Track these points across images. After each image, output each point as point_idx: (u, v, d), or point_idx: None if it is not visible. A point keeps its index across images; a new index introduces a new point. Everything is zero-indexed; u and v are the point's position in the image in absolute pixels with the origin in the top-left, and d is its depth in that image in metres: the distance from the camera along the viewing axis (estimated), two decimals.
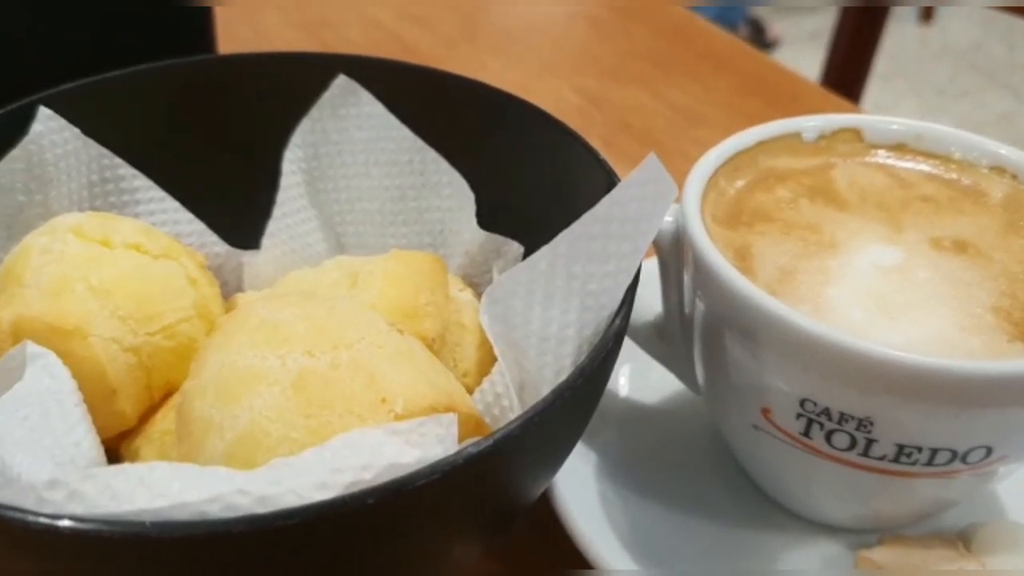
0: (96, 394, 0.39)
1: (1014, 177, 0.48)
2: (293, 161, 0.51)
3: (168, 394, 0.43)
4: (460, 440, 0.33)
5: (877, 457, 0.40)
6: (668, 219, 0.45)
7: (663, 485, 0.49)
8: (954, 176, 0.48)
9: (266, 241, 0.52)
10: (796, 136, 0.50)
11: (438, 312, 0.45)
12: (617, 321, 0.35)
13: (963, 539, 0.46)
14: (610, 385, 0.47)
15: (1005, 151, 0.48)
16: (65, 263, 0.41)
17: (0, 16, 0.59)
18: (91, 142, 0.48)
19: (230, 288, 0.51)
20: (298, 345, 0.36)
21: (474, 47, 0.97)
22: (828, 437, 0.41)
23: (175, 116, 0.51)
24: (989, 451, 0.40)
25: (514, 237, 0.50)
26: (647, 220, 0.35)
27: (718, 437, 0.51)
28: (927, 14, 3.52)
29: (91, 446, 0.36)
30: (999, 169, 0.48)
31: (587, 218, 0.35)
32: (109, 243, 0.43)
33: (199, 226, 0.51)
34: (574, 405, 0.34)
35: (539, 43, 0.99)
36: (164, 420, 0.42)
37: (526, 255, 0.50)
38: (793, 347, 0.39)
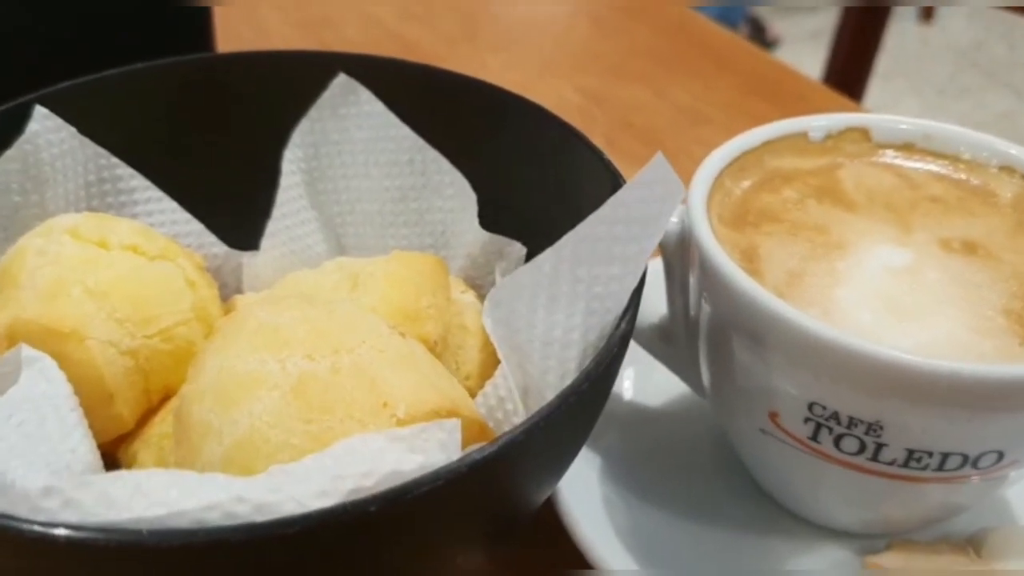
0: (93, 398, 0.39)
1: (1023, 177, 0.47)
2: (293, 161, 0.51)
3: (166, 398, 0.42)
4: (463, 446, 0.32)
5: (887, 462, 0.40)
6: (673, 220, 0.44)
7: (667, 488, 0.49)
8: (963, 176, 0.48)
9: (265, 242, 0.51)
10: (803, 136, 0.49)
11: (440, 314, 0.45)
12: (623, 325, 0.35)
13: (973, 545, 0.45)
14: (613, 388, 0.46)
15: (1015, 151, 0.47)
16: (61, 265, 0.40)
17: (0, 17, 0.59)
18: (88, 141, 0.47)
19: (229, 290, 0.51)
20: (298, 349, 0.35)
21: (474, 46, 0.96)
22: (837, 441, 0.40)
23: (173, 115, 0.50)
24: (1000, 456, 0.39)
25: (517, 238, 0.49)
26: (654, 221, 0.35)
27: (723, 440, 0.50)
28: (927, 13, 3.52)
29: (87, 452, 0.35)
30: (1008, 169, 0.47)
31: (592, 219, 0.34)
32: (106, 244, 0.42)
33: (197, 227, 0.50)
34: (579, 410, 0.34)
35: (540, 41, 0.98)
36: (162, 424, 0.41)
37: (529, 256, 0.49)
38: (802, 350, 0.38)
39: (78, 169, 0.47)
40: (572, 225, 0.40)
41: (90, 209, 0.48)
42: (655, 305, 0.49)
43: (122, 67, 0.49)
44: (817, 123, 0.50)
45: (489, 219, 0.49)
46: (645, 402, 0.53)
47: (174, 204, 0.50)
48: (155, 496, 0.28)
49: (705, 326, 0.44)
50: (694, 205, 0.43)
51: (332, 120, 0.50)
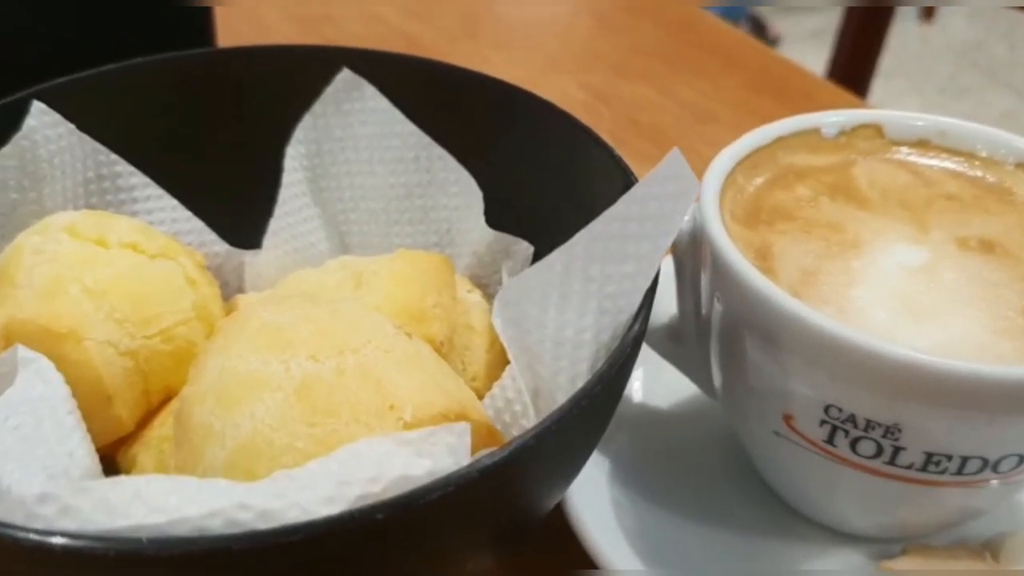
0: (91, 400, 0.38)
1: None
2: (295, 158, 0.50)
3: (166, 399, 0.41)
4: (472, 450, 0.31)
5: (904, 466, 0.39)
6: (685, 218, 0.43)
7: (677, 492, 0.48)
8: (978, 174, 0.47)
9: (267, 240, 0.50)
10: (815, 132, 0.48)
11: (446, 314, 0.44)
12: (636, 326, 0.34)
13: (990, 549, 0.44)
14: None
15: None
16: (59, 263, 0.39)
17: (0, 17, 0.58)
18: (86, 138, 0.46)
19: (230, 289, 0.50)
20: (302, 349, 0.34)
21: (477, 43, 0.95)
22: (853, 445, 0.39)
23: (173, 111, 0.49)
24: (1021, 459, 0.38)
25: (524, 237, 0.48)
26: (668, 219, 0.34)
27: (734, 442, 0.49)
28: (928, 12, 3.51)
29: (85, 456, 0.34)
30: None
31: (605, 217, 0.33)
32: (105, 242, 0.41)
33: (198, 224, 0.49)
34: (591, 413, 0.33)
35: (543, 38, 0.97)
36: (162, 426, 0.41)
37: (536, 255, 0.48)
38: (817, 351, 0.37)
39: (76, 166, 0.46)
40: (581, 223, 0.39)
41: (88, 206, 0.47)
42: (664, 304, 0.48)
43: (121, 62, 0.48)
44: (830, 119, 0.49)
45: (495, 217, 0.48)
46: (654, 404, 0.52)
47: (174, 201, 0.49)
48: (155, 502, 0.27)
49: (717, 326, 0.43)
50: (706, 202, 0.42)
51: (336, 116, 0.49)
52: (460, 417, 0.34)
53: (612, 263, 0.34)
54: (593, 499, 0.46)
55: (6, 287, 0.39)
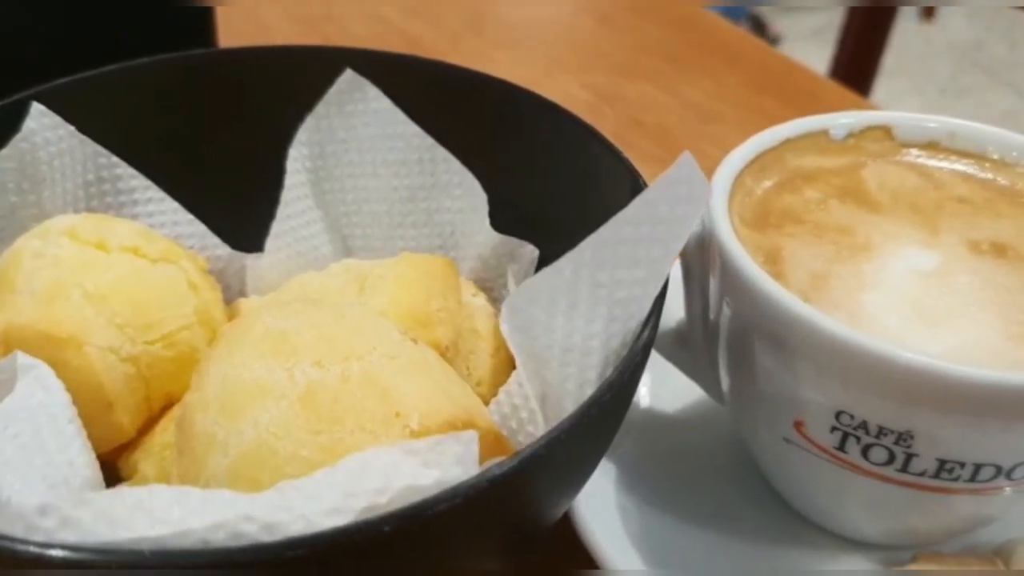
0: (92, 407, 0.37)
1: None
2: (298, 160, 0.49)
3: (168, 405, 0.41)
4: (480, 458, 0.31)
5: (916, 473, 0.38)
6: (695, 221, 0.43)
7: (684, 498, 0.47)
8: (989, 176, 0.46)
9: (270, 244, 0.49)
10: (824, 134, 0.48)
11: (451, 318, 0.43)
12: (646, 332, 0.33)
13: (1001, 556, 0.44)
14: None
15: None
16: (59, 268, 0.39)
17: (0, 17, 0.58)
18: (86, 140, 0.46)
19: (232, 293, 0.49)
20: (306, 356, 0.33)
21: (480, 42, 0.95)
22: (865, 452, 0.38)
23: (175, 112, 0.49)
24: None
25: (529, 239, 0.48)
26: (679, 223, 0.33)
27: (741, 448, 0.49)
28: (929, 12, 3.51)
29: (86, 465, 0.33)
30: None
31: (616, 221, 0.33)
32: (105, 246, 0.41)
33: (200, 228, 0.49)
34: (601, 421, 0.32)
35: (546, 38, 0.97)
36: (164, 433, 0.40)
37: (542, 258, 0.48)
38: (829, 357, 0.37)
39: (76, 168, 0.45)
40: (587, 226, 0.39)
41: (89, 209, 0.46)
42: (671, 308, 0.47)
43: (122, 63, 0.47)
44: (838, 121, 0.48)
45: (500, 220, 0.48)
46: (661, 408, 0.52)
47: (175, 204, 0.48)
48: (158, 514, 0.27)
49: (726, 330, 0.42)
50: (715, 206, 0.42)
51: (339, 117, 0.49)
52: (467, 424, 0.34)
53: (622, 268, 0.33)
54: (599, 505, 0.45)
55: (5, 292, 0.38)
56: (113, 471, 0.40)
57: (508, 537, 0.32)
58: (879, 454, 0.38)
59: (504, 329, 0.36)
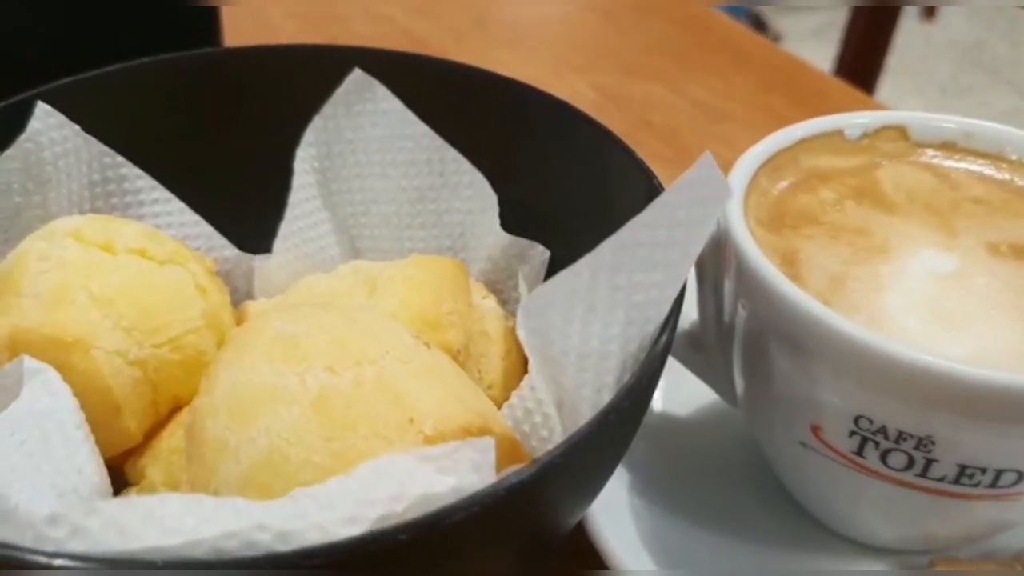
0: (99, 411, 0.37)
1: None
2: (305, 160, 0.48)
3: (175, 409, 0.40)
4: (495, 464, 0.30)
5: (936, 478, 0.38)
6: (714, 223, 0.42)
7: (698, 501, 0.47)
8: (1006, 176, 0.46)
9: (277, 245, 0.49)
10: (838, 134, 0.47)
11: (462, 321, 0.43)
12: (664, 336, 0.33)
13: (1020, 561, 0.43)
14: None
15: None
16: (65, 270, 0.38)
17: (2, 17, 0.57)
18: (92, 140, 0.45)
19: (240, 295, 0.49)
20: (318, 361, 0.33)
21: (484, 41, 0.94)
22: (884, 457, 0.38)
23: (181, 112, 0.48)
24: None
25: (540, 241, 0.47)
26: (699, 225, 0.33)
27: (755, 451, 0.48)
28: (929, 11, 3.50)
29: (94, 472, 0.33)
30: None
31: (634, 224, 0.32)
32: (111, 248, 0.40)
33: (206, 229, 0.48)
34: (619, 427, 0.32)
35: (552, 37, 0.96)
36: (171, 438, 0.39)
37: (553, 260, 0.47)
38: (848, 360, 0.36)
39: (82, 168, 0.45)
40: (599, 227, 0.38)
41: (94, 210, 0.46)
42: (684, 310, 0.47)
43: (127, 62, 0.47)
44: (853, 121, 0.47)
45: (510, 221, 0.47)
46: (674, 411, 0.51)
47: (182, 205, 0.47)
48: (169, 523, 0.26)
49: (741, 333, 0.42)
50: (730, 207, 0.41)
51: (347, 118, 0.48)
52: (482, 430, 0.33)
53: (640, 271, 0.33)
54: (612, 508, 0.45)
55: (10, 295, 0.38)
56: (120, 476, 0.40)
57: (525, 545, 0.32)
58: (898, 459, 0.38)
59: (520, 333, 0.35)
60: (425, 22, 0.96)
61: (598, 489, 0.35)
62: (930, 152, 0.47)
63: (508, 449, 0.34)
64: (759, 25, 3.26)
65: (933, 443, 0.36)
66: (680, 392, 0.51)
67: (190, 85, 0.48)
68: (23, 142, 0.43)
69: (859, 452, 0.38)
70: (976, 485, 0.37)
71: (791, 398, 0.40)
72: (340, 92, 0.48)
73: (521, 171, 0.47)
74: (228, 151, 0.49)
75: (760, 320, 0.40)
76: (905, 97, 3.02)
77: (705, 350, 0.47)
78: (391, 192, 0.49)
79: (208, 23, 0.64)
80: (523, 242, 0.47)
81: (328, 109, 0.48)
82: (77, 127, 0.44)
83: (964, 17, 3.55)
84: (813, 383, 0.38)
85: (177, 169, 0.47)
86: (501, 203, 0.47)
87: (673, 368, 0.48)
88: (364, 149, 0.49)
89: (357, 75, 0.48)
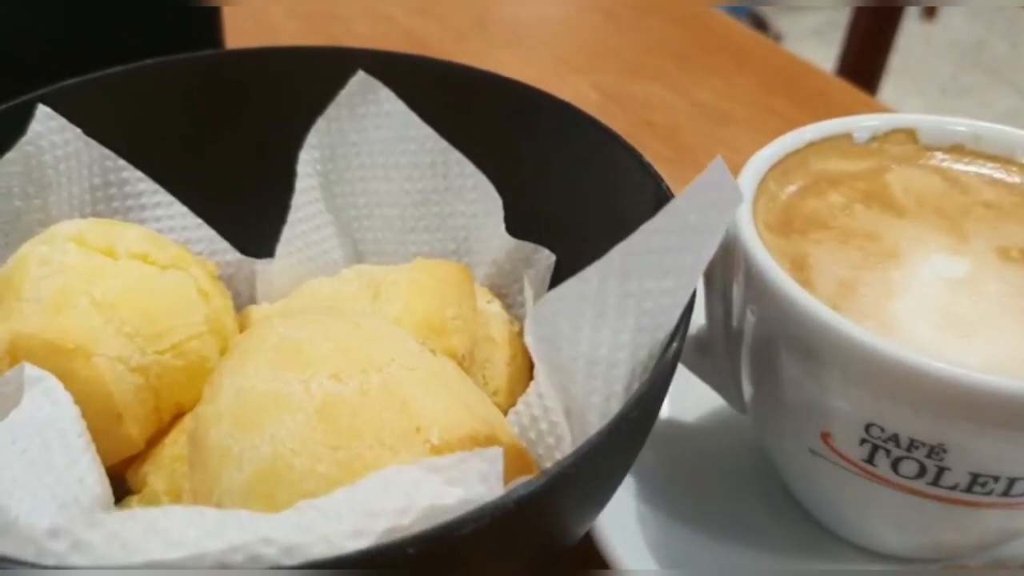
0: (100, 418, 0.36)
1: None
2: (308, 163, 0.48)
3: (178, 416, 0.40)
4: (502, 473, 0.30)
5: (948, 487, 0.37)
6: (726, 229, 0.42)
7: (704, 508, 0.46)
8: (1017, 180, 0.45)
9: (280, 249, 0.48)
10: (847, 137, 0.47)
11: (467, 326, 0.42)
12: (674, 344, 0.32)
13: None
14: None
15: None
16: (66, 275, 0.38)
17: (2, 17, 0.56)
18: (93, 143, 0.45)
19: (242, 299, 0.48)
20: (323, 368, 0.32)
21: (485, 41, 0.94)
22: (895, 465, 0.37)
23: (183, 115, 0.48)
24: None
25: (545, 245, 0.47)
26: (711, 231, 0.32)
27: (764, 458, 0.47)
28: (930, 11, 3.50)
29: (96, 482, 0.32)
30: None
31: (645, 230, 0.32)
32: (113, 253, 0.39)
33: (208, 232, 0.48)
34: (629, 436, 0.31)
35: (553, 37, 0.96)
36: (174, 445, 0.39)
37: (559, 264, 0.47)
38: (860, 368, 0.36)
39: (83, 172, 0.44)
40: (606, 230, 0.38)
41: (96, 214, 0.45)
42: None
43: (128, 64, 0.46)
44: (861, 124, 0.47)
45: (515, 224, 0.47)
46: (681, 417, 0.51)
47: (184, 209, 0.47)
48: (172, 536, 0.26)
49: (749, 338, 0.41)
50: (739, 211, 0.41)
51: (350, 120, 0.48)
52: (489, 438, 0.33)
53: (651, 278, 0.32)
54: (618, 515, 0.44)
55: (11, 300, 0.37)
56: (121, 483, 0.39)
57: (533, 557, 0.31)
58: (909, 467, 0.37)
59: (528, 341, 0.35)
60: (425, 22, 0.96)
61: (607, 498, 0.34)
62: (940, 155, 0.47)
63: (515, 458, 0.33)
64: (759, 25, 3.25)
65: (945, 451, 0.36)
66: (686, 397, 0.51)
67: (192, 87, 0.47)
68: (23, 145, 0.42)
69: (870, 460, 0.38)
70: (989, 494, 0.37)
71: (801, 405, 0.40)
72: (343, 94, 0.47)
73: (526, 174, 0.47)
74: (230, 154, 0.48)
75: (769, 326, 0.39)
76: (906, 97, 3.01)
77: (712, 355, 0.46)
78: (395, 195, 0.49)
79: (209, 23, 0.63)
80: (528, 246, 0.47)
81: (331, 111, 0.48)
82: (78, 130, 0.44)
83: (964, 17, 3.55)
84: (823, 390, 0.38)
85: (179, 172, 0.47)
86: (506, 206, 0.47)
87: (679, 373, 0.47)
88: (368, 152, 0.48)
89: (361, 77, 0.47)
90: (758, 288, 0.39)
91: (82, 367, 0.36)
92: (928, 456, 0.36)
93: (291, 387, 0.32)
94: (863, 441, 0.38)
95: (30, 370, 0.34)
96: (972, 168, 0.46)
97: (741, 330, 0.42)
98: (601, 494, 0.33)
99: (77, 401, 0.34)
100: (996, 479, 0.36)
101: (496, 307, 0.46)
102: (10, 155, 0.42)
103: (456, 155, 0.48)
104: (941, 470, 0.37)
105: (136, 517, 0.26)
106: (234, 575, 0.25)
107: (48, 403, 0.33)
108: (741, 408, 0.46)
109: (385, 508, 0.27)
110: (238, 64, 0.48)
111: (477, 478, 0.28)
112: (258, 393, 0.32)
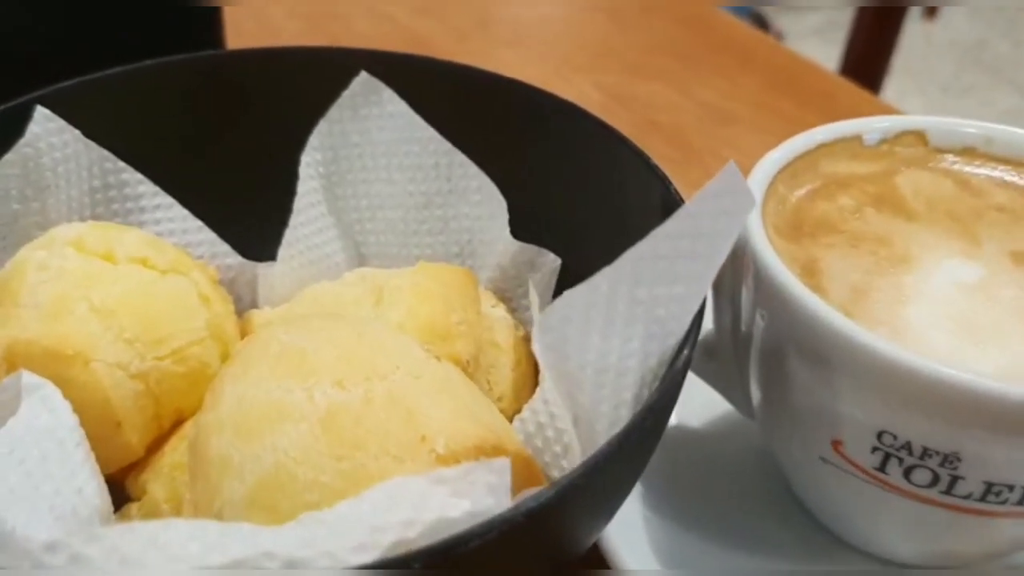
0: (99, 425, 0.36)
1: None
2: (310, 165, 0.47)
3: (178, 423, 0.39)
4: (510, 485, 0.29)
5: (962, 496, 0.36)
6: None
7: (712, 514, 0.46)
8: None
9: (282, 252, 0.48)
10: (856, 139, 0.46)
11: (471, 331, 0.42)
12: (684, 351, 0.32)
13: None
14: None
15: None
16: (64, 280, 0.37)
17: (2, 17, 0.56)
18: (92, 144, 0.44)
19: (244, 304, 0.47)
20: (326, 376, 0.32)
21: (487, 41, 0.93)
22: (907, 473, 0.37)
23: (183, 116, 0.47)
24: None
25: (551, 248, 0.46)
26: (722, 237, 0.32)
27: (772, 465, 0.47)
28: (931, 11, 3.49)
29: (94, 493, 0.32)
30: None
31: (655, 235, 0.31)
32: (112, 257, 0.39)
33: (209, 235, 0.47)
34: (639, 446, 0.31)
35: (555, 37, 0.95)
36: (174, 452, 0.38)
37: (564, 267, 0.46)
38: (872, 375, 0.35)
39: (82, 174, 0.44)
40: (612, 234, 0.37)
41: (95, 217, 0.44)
42: None
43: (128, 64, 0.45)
44: (871, 126, 0.46)
45: (520, 227, 0.46)
46: (687, 422, 0.50)
47: (184, 211, 0.46)
48: (173, 550, 0.25)
49: (759, 344, 0.41)
50: (750, 214, 0.40)
51: (352, 121, 0.47)
52: (495, 448, 0.32)
53: (661, 284, 0.32)
54: (625, 521, 0.44)
55: (8, 306, 0.37)
56: (121, 491, 0.39)
57: (541, 568, 0.31)
58: (922, 476, 0.37)
59: (535, 348, 0.34)
60: (427, 22, 0.95)
61: (616, 508, 0.34)
62: (950, 158, 0.46)
63: (522, 467, 0.33)
64: (760, 24, 3.25)
65: (959, 460, 0.35)
66: (693, 401, 0.50)
67: (193, 88, 0.47)
68: (21, 147, 0.42)
69: (882, 468, 0.37)
70: (1003, 503, 0.36)
71: (811, 412, 0.39)
72: (346, 95, 0.47)
73: (531, 176, 0.46)
74: (231, 155, 0.48)
75: (779, 332, 0.39)
76: (907, 97, 3.01)
77: (719, 360, 0.46)
78: (398, 197, 0.48)
79: (210, 23, 0.63)
80: (533, 249, 0.46)
81: (334, 113, 0.47)
82: (77, 131, 0.43)
83: (965, 17, 3.54)
84: (835, 397, 0.37)
85: (179, 174, 0.46)
86: (510, 209, 0.46)
87: (687, 377, 0.47)
88: (370, 153, 0.48)
89: (363, 78, 0.47)
90: (768, 293, 0.38)
91: (81, 374, 0.35)
92: (942, 465, 0.36)
93: (294, 395, 0.31)
94: (875, 449, 0.37)
95: (28, 377, 0.33)
96: (983, 171, 0.45)
97: (750, 335, 0.41)
98: (611, 504, 0.33)
99: (76, 408, 0.34)
100: (1011, 488, 0.36)
101: (500, 311, 0.46)
102: (8, 157, 0.41)
103: (460, 157, 0.47)
104: (955, 479, 0.36)
105: (136, 531, 0.25)
106: None
107: (46, 411, 0.32)
108: (749, 413, 0.46)
109: (390, 521, 0.26)
110: (239, 65, 0.48)
111: (485, 490, 0.28)
112: (260, 401, 0.32)
